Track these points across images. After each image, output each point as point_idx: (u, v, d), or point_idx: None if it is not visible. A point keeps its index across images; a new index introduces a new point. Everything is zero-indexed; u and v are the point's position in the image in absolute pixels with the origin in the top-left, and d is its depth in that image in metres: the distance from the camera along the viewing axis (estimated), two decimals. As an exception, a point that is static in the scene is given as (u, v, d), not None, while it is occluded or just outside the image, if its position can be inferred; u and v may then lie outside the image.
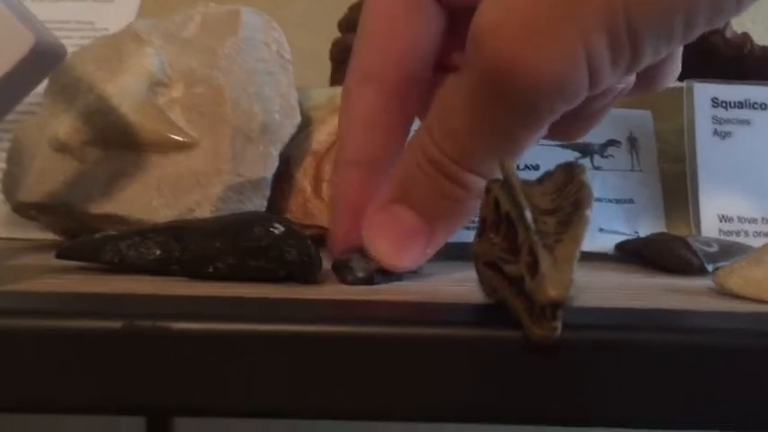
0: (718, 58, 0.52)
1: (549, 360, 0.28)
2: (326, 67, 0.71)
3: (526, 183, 0.30)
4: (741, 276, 0.35)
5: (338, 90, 0.58)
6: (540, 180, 0.30)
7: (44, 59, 0.36)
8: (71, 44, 0.60)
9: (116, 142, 0.47)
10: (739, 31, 0.53)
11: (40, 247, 0.48)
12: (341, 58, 0.71)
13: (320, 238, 0.50)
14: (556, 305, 0.25)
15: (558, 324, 0.26)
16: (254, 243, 0.35)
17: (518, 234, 0.28)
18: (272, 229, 0.36)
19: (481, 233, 0.32)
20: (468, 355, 0.28)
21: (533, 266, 0.26)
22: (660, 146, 0.50)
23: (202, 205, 0.45)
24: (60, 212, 0.47)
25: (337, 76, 0.72)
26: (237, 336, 0.27)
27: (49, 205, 0.47)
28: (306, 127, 0.53)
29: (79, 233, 0.48)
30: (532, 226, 0.26)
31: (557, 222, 0.27)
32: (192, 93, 0.48)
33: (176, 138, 0.46)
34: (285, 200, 0.50)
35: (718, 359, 0.28)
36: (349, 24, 0.69)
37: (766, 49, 0.53)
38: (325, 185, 0.50)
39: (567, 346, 0.28)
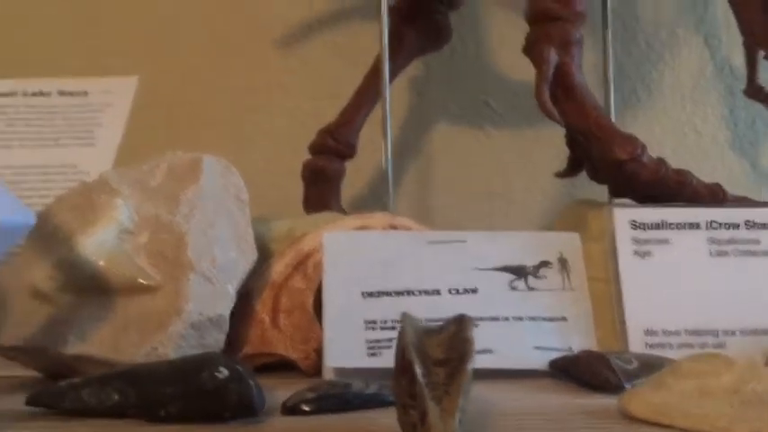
0: (638, 183, 0.56)
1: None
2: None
3: (428, 332, 0.35)
4: (642, 401, 0.39)
5: (297, 222, 0.63)
6: (440, 329, 0.35)
7: (5, 235, 0.40)
8: (56, 187, 0.66)
9: (87, 288, 0.51)
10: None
11: (21, 384, 0.52)
12: (311, 178, 0.77)
13: (277, 366, 0.54)
14: (441, 452, 0.29)
15: (448, 467, 0.30)
16: (200, 387, 0.39)
17: (414, 379, 0.31)
18: (216, 374, 0.40)
19: (396, 375, 0.36)
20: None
21: (424, 416, 0.30)
22: (589, 266, 0.54)
23: (165, 344, 0.49)
24: (36, 355, 0.51)
25: (309, 196, 0.77)
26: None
27: (26, 349, 0.51)
28: (266, 259, 0.57)
29: (57, 370, 0.52)
30: (422, 380, 0.30)
31: (446, 374, 0.31)
32: (156, 238, 0.52)
33: (142, 281, 0.51)
34: (245, 331, 0.54)
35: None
36: (318, 148, 0.75)
37: (680, 173, 0.58)
38: (281, 316, 0.54)
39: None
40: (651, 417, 0.38)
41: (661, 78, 0.88)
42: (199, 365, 0.40)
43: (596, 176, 0.63)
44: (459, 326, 0.33)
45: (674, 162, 0.61)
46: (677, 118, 0.89)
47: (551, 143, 0.85)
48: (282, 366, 0.53)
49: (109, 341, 0.50)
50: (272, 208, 0.66)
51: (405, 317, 0.34)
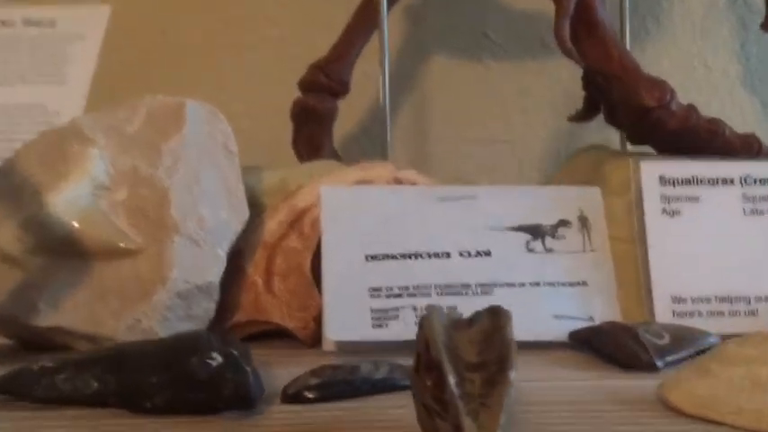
0: (664, 131, 0.52)
1: None
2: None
3: (456, 324, 0.30)
4: (685, 391, 0.35)
5: (290, 172, 0.57)
6: (471, 322, 0.30)
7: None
8: (22, 131, 0.60)
9: (60, 251, 0.46)
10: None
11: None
12: (301, 118, 0.71)
13: (271, 333, 0.49)
14: (480, 476, 0.25)
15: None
16: (190, 376, 0.35)
17: (446, 387, 0.27)
18: (209, 361, 0.35)
19: (417, 369, 0.31)
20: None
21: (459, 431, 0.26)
22: (610, 224, 0.50)
23: (149, 315, 0.44)
24: (6, 324, 0.46)
25: (299, 137, 0.72)
26: None
27: (-6, 318, 0.46)
28: (258, 215, 0.52)
29: (30, 339, 0.47)
30: (455, 391, 0.26)
31: (482, 381, 0.27)
32: (135, 194, 0.47)
33: (121, 245, 0.46)
34: (236, 296, 0.49)
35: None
36: (308, 85, 0.69)
37: (712, 122, 0.53)
38: (276, 279, 0.50)
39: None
40: (697, 411, 0.34)
41: (671, 9, 0.83)
42: (188, 350, 0.36)
43: (614, 121, 0.58)
44: (496, 321, 0.28)
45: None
46: (687, 51, 0.84)
47: (554, 77, 0.81)
48: (277, 334, 0.49)
49: (85, 311, 0.45)
50: (259, 152, 0.60)
51: (429, 308, 0.29)
